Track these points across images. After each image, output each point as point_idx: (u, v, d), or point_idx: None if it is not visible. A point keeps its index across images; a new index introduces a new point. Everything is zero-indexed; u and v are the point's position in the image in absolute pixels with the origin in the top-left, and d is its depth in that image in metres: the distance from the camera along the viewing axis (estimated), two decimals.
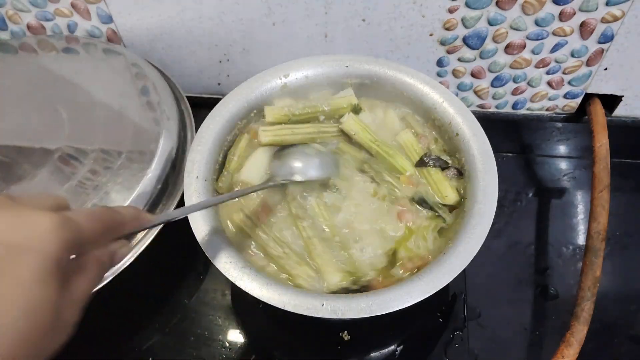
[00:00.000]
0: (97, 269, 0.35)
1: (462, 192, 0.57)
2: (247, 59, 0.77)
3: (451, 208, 0.57)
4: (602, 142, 0.67)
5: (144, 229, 0.42)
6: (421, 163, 0.59)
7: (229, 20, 0.71)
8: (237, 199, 0.57)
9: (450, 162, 0.59)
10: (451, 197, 0.57)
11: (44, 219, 0.31)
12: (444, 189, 0.57)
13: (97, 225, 0.35)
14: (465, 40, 0.69)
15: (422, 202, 0.57)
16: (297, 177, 0.57)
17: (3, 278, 0.29)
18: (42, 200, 0.34)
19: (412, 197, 0.57)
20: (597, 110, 0.72)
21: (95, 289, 0.35)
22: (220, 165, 0.60)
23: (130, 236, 0.40)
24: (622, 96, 0.74)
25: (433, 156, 0.59)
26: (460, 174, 0.58)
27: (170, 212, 0.44)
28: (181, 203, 0.55)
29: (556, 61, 0.70)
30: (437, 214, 0.56)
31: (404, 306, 0.46)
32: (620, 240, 0.70)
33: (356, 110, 0.64)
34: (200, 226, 0.52)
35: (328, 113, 0.63)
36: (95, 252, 0.35)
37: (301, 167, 0.58)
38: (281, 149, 0.61)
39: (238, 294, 0.64)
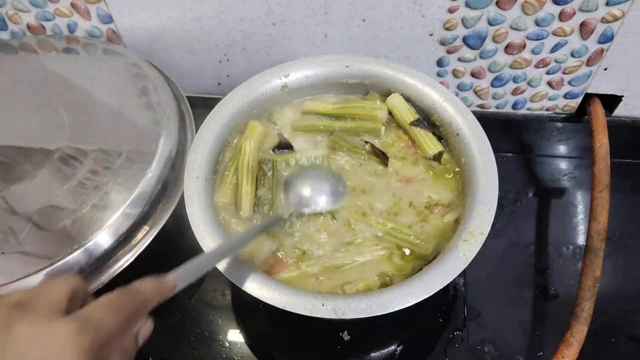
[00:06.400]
0: (122, 358, 0.33)
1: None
2: (247, 59, 0.77)
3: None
4: (602, 142, 0.67)
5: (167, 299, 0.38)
6: (415, 124, 0.62)
7: (229, 20, 0.71)
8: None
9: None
10: (433, 149, 0.60)
11: (60, 329, 0.29)
12: (432, 143, 0.61)
13: (118, 317, 0.32)
14: (465, 40, 0.69)
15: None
16: (305, 210, 0.56)
17: None
18: (54, 295, 0.32)
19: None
20: (597, 110, 0.72)
21: None
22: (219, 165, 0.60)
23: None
24: (622, 96, 0.74)
25: (426, 123, 0.62)
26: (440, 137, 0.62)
27: (187, 270, 0.41)
28: (181, 203, 0.55)
29: (556, 61, 0.70)
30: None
31: (404, 306, 0.46)
32: (620, 240, 0.70)
33: None
34: (200, 226, 0.52)
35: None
36: (118, 341, 0.33)
37: (310, 196, 0.57)
38: (291, 175, 0.59)
39: (238, 294, 0.64)
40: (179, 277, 0.39)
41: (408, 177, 0.60)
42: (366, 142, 0.62)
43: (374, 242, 0.55)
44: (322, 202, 0.56)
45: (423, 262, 0.53)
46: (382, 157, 0.60)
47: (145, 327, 0.36)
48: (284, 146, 0.62)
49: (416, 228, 0.56)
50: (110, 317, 0.32)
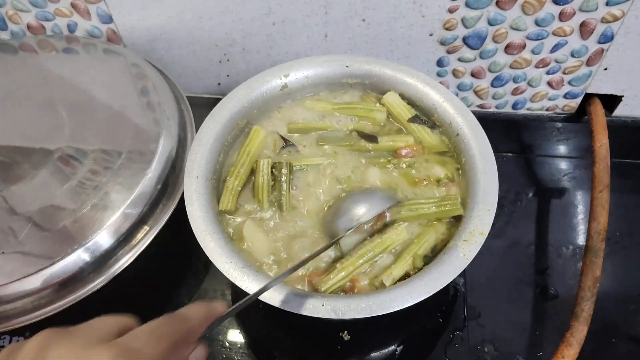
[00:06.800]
0: None
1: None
2: (247, 59, 0.77)
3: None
4: (602, 142, 0.67)
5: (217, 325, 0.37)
6: (413, 120, 0.62)
7: (229, 20, 0.71)
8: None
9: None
10: (436, 144, 0.61)
11: (97, 356, 0.28)
12: (430, 138, 0.61)
13: (160, 345, 0.31)
14: (465, 40, 0.69)
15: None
16: (364, 218, 0.53)
17: None
18: (101, 326, 0.32)
19: None
20: (597, 110, 0.72)
21: None
22: (221, 165, 0.60)
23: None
24: (622, 96, 0.74)
25: (424, 118, 0.63)
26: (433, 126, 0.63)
27: (239, 303, 0.41)
28: (181, 203, 0.55)
29: (556, 61, 0.70)
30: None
31: (404, 306, 0.46)
32: (620, 240, 0.70)
33: None
34: (200, 226, 0.52)
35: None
36: None
37: (365, 210, 0.54)
38: (330, 209, 0.57)
39: (238, 294, 0.64)
40: (230, 308, 0.39)
41: (401, 150, 0.61)
42: (351, 131, 0.63)
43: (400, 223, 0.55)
44: (368, 211, 0.54)
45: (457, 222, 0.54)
46: (370, 138, 0.61)
47: (196, 352, 0.35)
48: (288, 145, 0.62)
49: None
50: (151, 346, 0.31)
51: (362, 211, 0.54)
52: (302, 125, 0.64)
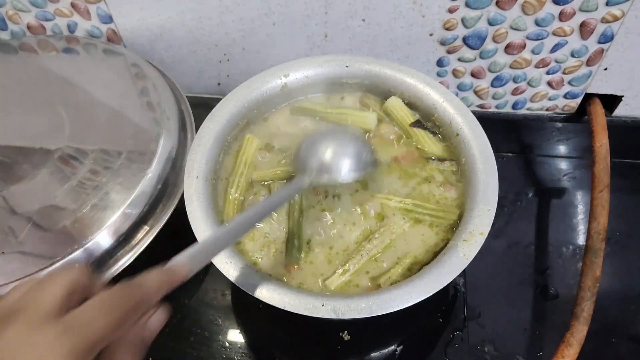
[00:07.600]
0: (129, 356, 0.32)
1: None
2: (247, 59, 0.77)
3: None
4: (602, 142, 0.67)
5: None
6: (415, 125, 0.62)
7: (229, 20, 0.71)
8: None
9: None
10: (434, 148, 0.61)
11: (45, 335, 0.28)
12: (432, 143, 0.61)
13: (112, 316, 0.30)
14: (465, 40, 0.69)
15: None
16: (338, 179, 0.51)
17: None
18: (47, 296, 0.30)
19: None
20: (597, 110, 0.72)
21: None
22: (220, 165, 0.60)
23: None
24: (622, 96, 0.74)
25: (425, 124, 0.63)
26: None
27: (200, 252, 0.39)
28: (181, 203, 0.55)
29: (556, 61, 0.70)
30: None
31: (404, 306, 0.46)
32: (620, 240, 0.70)
33: None
34: (200, 226, 0.52)
35: None
36: (120, 337, 0.31)
37: (335, 163, 0.51)
38: (309, 138, 0.54)
39: (238, 294, 0.64)
40: (192, 262, 0.37)
41: (400, 156, 0.61)
42: None
43: (401, 218, 0.56)
44: (347, 169, 0.51)
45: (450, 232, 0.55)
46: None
47: (156, 316, 0.35)
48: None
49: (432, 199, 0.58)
50: (100, 318, 0.30)
51: (332, 161, 0.51)
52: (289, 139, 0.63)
